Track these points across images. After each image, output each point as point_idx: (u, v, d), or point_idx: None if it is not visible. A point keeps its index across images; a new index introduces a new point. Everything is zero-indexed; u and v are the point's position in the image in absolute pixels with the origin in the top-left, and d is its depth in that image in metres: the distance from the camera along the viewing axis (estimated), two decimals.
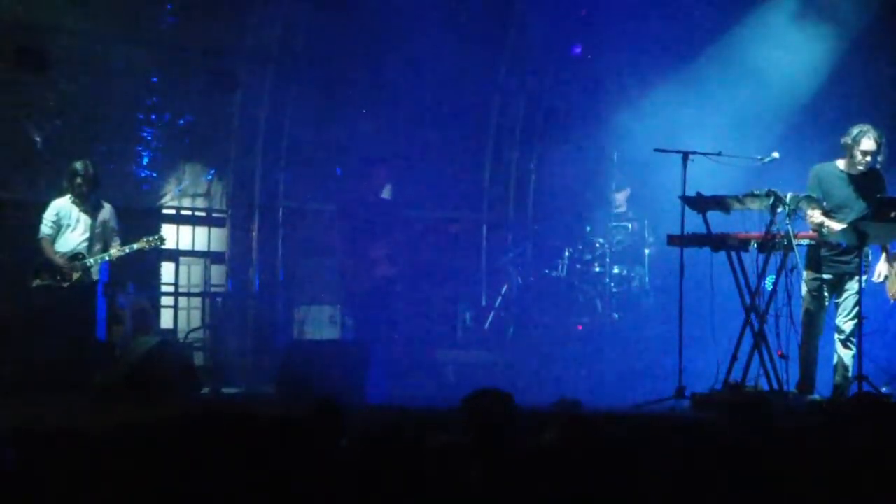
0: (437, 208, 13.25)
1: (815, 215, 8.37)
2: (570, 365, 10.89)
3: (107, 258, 9.84)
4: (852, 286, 8.42)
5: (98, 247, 9.85)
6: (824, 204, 8.48)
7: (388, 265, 11.18)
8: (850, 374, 8.36)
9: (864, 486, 3.89)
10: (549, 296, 11.92)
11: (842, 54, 10.89)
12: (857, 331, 8.28)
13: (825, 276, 8.54)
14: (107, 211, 9.93)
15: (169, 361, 9.64)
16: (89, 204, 9.85)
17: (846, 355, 8.44)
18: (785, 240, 8.24)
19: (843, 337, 8.49)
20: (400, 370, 10.87)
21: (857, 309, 8.40)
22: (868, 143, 8.40)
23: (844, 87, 10.86)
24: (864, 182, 8.52)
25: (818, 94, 10.88)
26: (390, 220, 11.34)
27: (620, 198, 12.03)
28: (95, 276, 9.85)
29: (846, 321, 8.46)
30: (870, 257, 8.58)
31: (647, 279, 11.71)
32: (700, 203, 8.50)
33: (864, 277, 8.38)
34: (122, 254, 9.85)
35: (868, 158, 8.44)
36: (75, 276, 9.70)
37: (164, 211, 11.92)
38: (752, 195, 8.41)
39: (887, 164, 8.69)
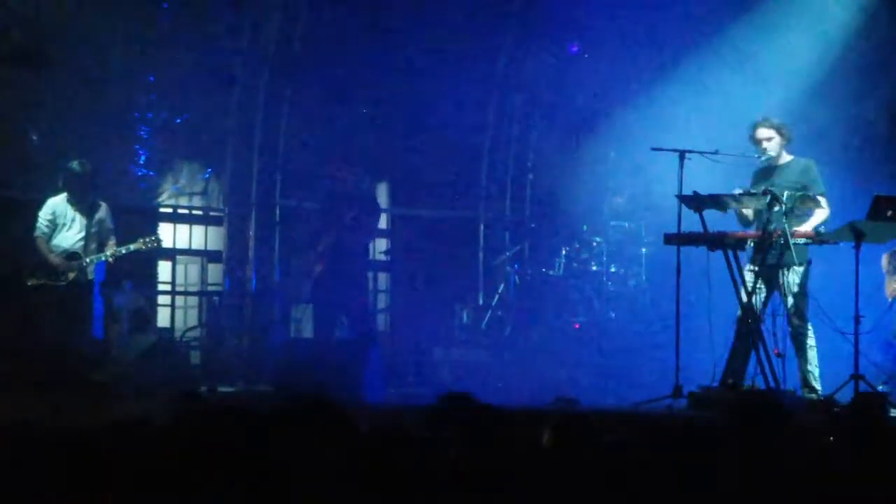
0: (434, 207, 13.24)
1: None
2: (567, 363, 10.89)
3: (103, 258, 9.82)
4: (788, 280, 8.42)
5: (94, 246, 9.81)
6: (822, 203, 8.50)
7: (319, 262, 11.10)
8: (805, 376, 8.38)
9: (865, 485, 3.90)
10: (547, 295, 11.92)
11: (840, 52, 10.89)
12: (855, 329, 8.25)
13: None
14: (103, 210, 9.90)
15: (166, 360, 9.64)
16: (85, 203, 9.81)
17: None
18: (782, 238, 8.24)
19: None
20: (397, 369, 10.87)
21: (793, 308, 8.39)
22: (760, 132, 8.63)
23: (843, 84, 10.86)
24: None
25: (816, 91, 10.88)
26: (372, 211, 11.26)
27: (618, 197, 12.03)
28: (91, 276, 9.83)
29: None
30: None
31: (643, 278, 11.72)
32: (697, 202, 8.48)
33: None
34: (119, 254, 9.83)
35: (763, 145, 8.65)
36: (71, 275, 9.67)
37: (161, 209, 11.92)
38: (749, 194, 8.41)
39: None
